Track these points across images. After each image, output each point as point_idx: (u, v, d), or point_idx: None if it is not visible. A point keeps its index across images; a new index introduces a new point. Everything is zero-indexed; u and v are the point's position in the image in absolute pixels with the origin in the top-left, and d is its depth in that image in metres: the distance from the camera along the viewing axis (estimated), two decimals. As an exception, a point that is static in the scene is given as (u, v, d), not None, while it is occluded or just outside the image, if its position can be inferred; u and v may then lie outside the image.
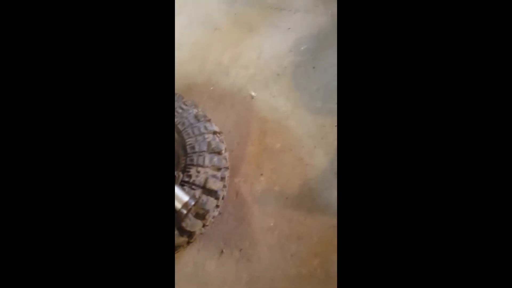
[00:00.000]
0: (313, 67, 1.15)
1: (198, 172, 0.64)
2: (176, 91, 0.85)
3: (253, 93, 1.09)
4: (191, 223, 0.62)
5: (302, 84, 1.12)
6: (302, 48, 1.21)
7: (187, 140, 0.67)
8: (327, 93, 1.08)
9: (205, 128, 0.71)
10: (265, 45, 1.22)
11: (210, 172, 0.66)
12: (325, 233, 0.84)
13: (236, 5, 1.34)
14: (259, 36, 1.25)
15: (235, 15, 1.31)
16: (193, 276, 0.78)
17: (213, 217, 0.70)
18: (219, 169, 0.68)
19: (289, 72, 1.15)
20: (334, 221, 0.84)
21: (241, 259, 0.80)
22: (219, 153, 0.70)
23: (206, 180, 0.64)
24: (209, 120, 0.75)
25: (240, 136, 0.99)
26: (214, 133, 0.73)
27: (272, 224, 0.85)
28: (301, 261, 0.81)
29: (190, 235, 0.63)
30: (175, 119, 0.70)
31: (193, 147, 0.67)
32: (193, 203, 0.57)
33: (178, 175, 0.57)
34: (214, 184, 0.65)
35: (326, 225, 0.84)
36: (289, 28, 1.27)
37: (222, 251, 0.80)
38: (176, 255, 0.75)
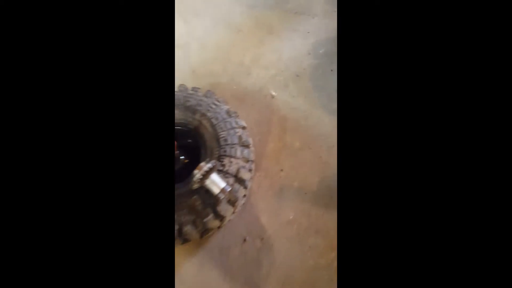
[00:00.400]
0: (331, 70, 1.20)
1: (231, 162, 0.70)
2: (204, 89, 0.90)
3: (273, 93, 1.14)
4: (224, 209, 0.67)
5: (320, 85, 1.17)
6: (320, 51, 1.26)
7: (220, 133, 0.72)
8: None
9: (236, 123, 0.76)
10: (284, 48, 1.27)
11: (241, 163, 0.71)
12: (341, 227, 0.88)
13: (257, 8, 1.40)
14: (279, 38, 1.30)
15: (256, 18, 1.36)
16: (218, 260, 0.83)
17: (240, 205, 0.75)
18: (247, 161, 0.73)
19: (308, 73, 1.20)
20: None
21: (262, 248, 0.85)
22: (247, 146, 0.75)
23: (238, 170, 0.69)
24: (238, 116, 0.80)
25: (261, 133, 1.04)
26: (243, 128, 0.78)
27: (291, 217, 0.90)
28: (319, 253, 0.86)
29: (221, 219, 0.67)
30: (209, 114, 0.75)
31: (225, 140, 0.72)
32: (229, 189, 0.62)
33: (215, 163, 0.62)
34: (245, 174, 0.70)
35: (343, 219, 0.89)
36: (308, 32, 1.32)
37: (245, 239, 0.85)
38: (203, 239, 0.79)
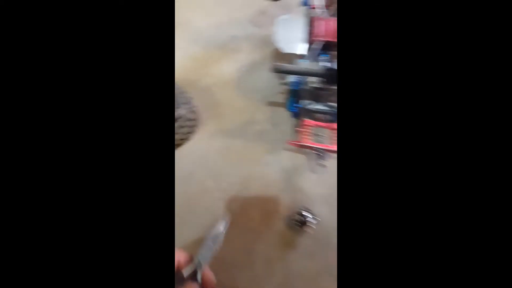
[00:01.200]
0: (251, 77, 2.17)
1: (184, 109, 1.59)
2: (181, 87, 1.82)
3: (215, 89, 2.08)
4: (182, 125, 1.55)
5: (242, 86, 2.12)
6: (244, 69, 2.24)
7: (181, 103, 1.64)
8: (256, 90, 2.08)
9: (190, 99, 1.68)
10: (224, 68, 2.25)
11: (189, 111, 1.61)
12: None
13: (209, 47, 2.41)
14: (221, 64, 2.29)
15: (208, 53, 2.37)
16: (197, 162, 1.66)
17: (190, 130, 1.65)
18: (192, 111, 1.64)
19: (235, 80, 2.16)
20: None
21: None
22: (189, 103, 1.66)
23: (185, 112, 1.60)
24: (192, 97, 1.73)
25: (204, 108, 1.94)
26: (191, 97, 1.70)
27: (221, 146, 1.76)
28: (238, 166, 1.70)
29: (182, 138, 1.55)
30: (182, 94, 1.68)
31: (184, 103, 1.63)
32: (185, 116, 1.51)
33: (183, 107, 1.53)
34: (191, 115, 1.60)
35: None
36: (238, 60, 2.32)
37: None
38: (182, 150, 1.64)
